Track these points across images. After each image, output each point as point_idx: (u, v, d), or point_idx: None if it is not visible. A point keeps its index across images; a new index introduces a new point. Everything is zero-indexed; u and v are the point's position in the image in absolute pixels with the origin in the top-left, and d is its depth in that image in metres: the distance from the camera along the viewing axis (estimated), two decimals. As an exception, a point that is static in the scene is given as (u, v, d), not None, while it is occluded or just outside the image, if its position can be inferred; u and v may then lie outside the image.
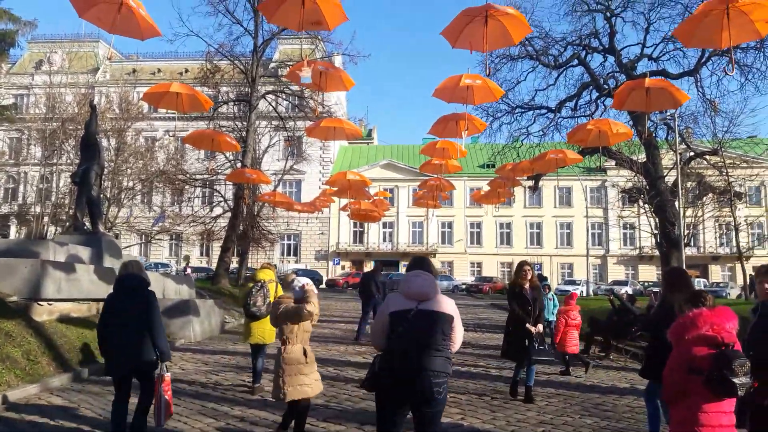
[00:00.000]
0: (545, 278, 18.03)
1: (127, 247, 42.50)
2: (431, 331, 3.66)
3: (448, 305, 3.80)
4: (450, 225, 54.08)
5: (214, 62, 26.80)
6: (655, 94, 8.78)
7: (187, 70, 48.33)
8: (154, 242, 46.14)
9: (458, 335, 3.88)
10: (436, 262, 51.91)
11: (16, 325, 8.51)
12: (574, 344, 9.97)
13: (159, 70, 54.78)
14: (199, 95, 10.80)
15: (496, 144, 27.23)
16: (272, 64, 32.86)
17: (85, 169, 13.09)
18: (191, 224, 33.83)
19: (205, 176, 31.94)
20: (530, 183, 26.27)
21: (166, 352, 5.27)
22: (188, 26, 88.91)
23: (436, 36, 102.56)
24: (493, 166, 23.05)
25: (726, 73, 18.03)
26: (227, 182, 31.06)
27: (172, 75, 49.51)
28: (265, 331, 7.59)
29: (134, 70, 54.84)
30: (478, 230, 54.12)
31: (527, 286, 7.63)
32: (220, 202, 31.51)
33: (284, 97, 29.01)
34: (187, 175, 32.37)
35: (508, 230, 53.79)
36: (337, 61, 27.74)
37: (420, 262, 4.08)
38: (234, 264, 32.09)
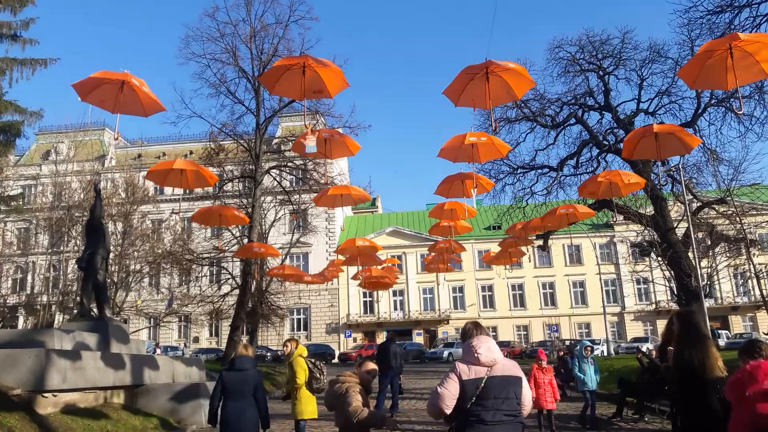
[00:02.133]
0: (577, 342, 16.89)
1: (136, 331, 41.96)
2: (507, 398, 3.61)
3: (514, 368, 3.77)
4: (461, 290, 53.30)
5: (218, 142, 27.21)
6: (665, 140, 8.64)
7: (191, 152, 49.13)
8: (163, 325, 45.53)
9: (528, 398, 3.81)
10: (450, 329, 50.87)
11: (20, 420, 8.09)
12: (550, 401, 9.59)
13: (164, 154, 55.76)
14: (204, 170, 10.75)
15: (502, 205, 27.14)
16: (275, 141, 33.37)
17: (91, 254, 12.93)
18: (200, 304, 33.40)
19: (213, 255, 31.79)
20: (539, 242, 26.00)
21: (269, 424, 6.56)
22: (191, 108, 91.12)
23: (433, 98, 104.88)
24: (500, 227, 22.88)
25: (735, 113, 18.07)
26: (234, 259, 30.90)
27: (177, 158, 50.14)
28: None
29: (139, 155, 55.85)
30: (490, 293, 53.28)
31: None
32: (228, 279, 31.22)
33: (288, 171, 29.25)
34: (194, 255, 32.23)
35: (521, 292, 52.93)
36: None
37: (478, 327, 4.03)
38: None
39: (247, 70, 25.59)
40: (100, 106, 8.18)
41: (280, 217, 31.29)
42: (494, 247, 18.84)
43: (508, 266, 29.21)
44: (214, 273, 40.13)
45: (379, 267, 18.97)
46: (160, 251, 33.40)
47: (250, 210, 25.38)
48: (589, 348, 11.25)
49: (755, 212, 29.04)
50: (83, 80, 7.53)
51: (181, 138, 48.44)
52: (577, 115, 24.34)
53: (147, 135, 68.91)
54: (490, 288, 53.11)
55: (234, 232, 29.45)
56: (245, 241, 25.75)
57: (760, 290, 25.41)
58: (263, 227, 28.99)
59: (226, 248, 26.83)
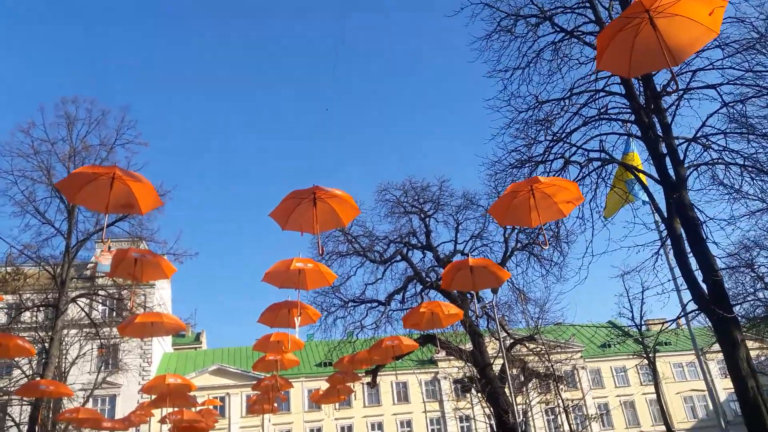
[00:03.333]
0: None
1: None
2: None
3: None
4: (287, 433, 50.12)
5: (16, 266, 24.14)
6: (479, 273, 9.18)
7: (-16, 277, 43.12)
8: None
9: None
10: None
11: None
12: None
13: (-51, 278, 48.33)
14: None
15: (332, 340, 26.85)
16: (89, 266, 30.48)
17: None
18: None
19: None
20: (368, 379, 25.80)
21: None
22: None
23: (264, 225, 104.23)
24: (331, 363, 22.41)
25: (541, 247, 20.13)
26: (25, 403, 26.49)
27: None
28: None
29: None
30: (318, 436, 50.69)
31: None
32: (11, 427, 26.41)
33: (101, 300, 26.53)
34: (-31, 399, 27.08)
35: (349, 433, 51.09)
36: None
37: None
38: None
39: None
40: None
41: (85, 353, 27.77)
42: (324, 385, 18.07)
43: (336, 405, 28.32)
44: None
45: (194, 409, 17.19)
46: None
47: (47, 344, 22.23)
48: None
49: (560, 349, 31.75)
50: None
51: (-28, 260, 42.51)
52: (403, 252, 25.73)
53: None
54: (319, 430, 50.64)
55: (25, 369, 25.49)
56: (38, 379, 22.22)
57: (569, 425, 27.04)
58: (63, 364, 25.43)
59: (11, 389, 22.89)
